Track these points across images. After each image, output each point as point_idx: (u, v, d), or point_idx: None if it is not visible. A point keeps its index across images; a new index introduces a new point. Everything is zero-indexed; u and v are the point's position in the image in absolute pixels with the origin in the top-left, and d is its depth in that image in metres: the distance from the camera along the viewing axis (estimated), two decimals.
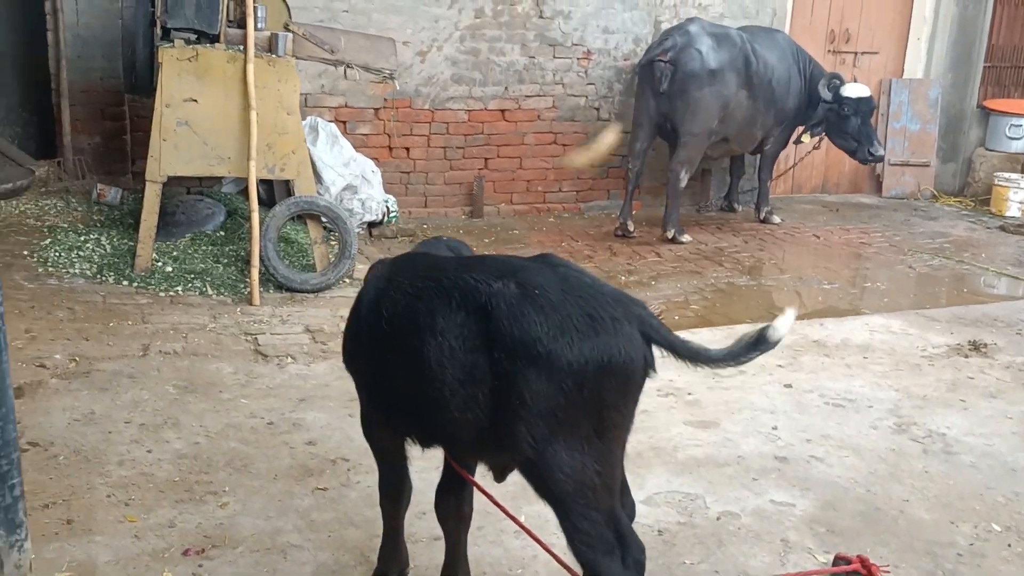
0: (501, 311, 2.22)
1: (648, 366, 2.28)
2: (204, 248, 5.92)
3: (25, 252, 5.68)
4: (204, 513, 3.22)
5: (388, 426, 2.63)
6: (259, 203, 5.52)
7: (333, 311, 5.37)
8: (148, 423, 3.87)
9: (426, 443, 2.57)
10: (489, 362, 2.22)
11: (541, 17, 7.92)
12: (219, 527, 3.14)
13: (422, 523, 3.17)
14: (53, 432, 3.70)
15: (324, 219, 5.74)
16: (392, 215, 7.17)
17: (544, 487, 2.27)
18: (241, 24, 5.53)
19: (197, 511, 3.23)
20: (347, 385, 4.35)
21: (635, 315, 2.28)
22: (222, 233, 6.12)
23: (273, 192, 6.55)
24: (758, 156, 8.44)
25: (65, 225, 6.15)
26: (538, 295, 2.23)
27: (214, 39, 5.52)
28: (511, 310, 2.21)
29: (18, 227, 6.08)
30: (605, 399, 2.22)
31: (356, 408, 4.05)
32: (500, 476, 2.60)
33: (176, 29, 5.53)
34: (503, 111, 7.98)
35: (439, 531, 2.78)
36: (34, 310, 4.93)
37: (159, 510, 3.22)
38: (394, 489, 2.77)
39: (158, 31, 5.59)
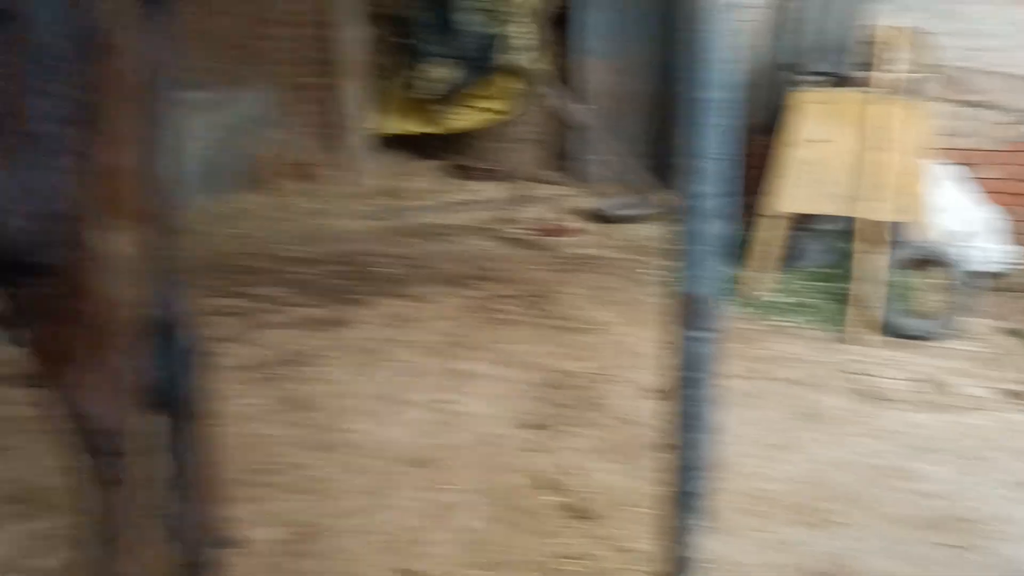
0: None
1: None
2: (807, 283, 6.10)
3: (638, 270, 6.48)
4: (824, 539, 3.36)
5: None
6: (870, 243, 5.52)
7: (942, 363, 5.14)
8: (761, 441, 4.13)
9: None
10: None
11: None
12: (840, 556, 3.25)
13: None
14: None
15: (939, 266, 5.52)
16: (1018, 267, 6.55)
17: None
18: (876, 67, 5.60)
19: (818, 535, 3.38)
20: (966, 443, 4.18)
21: None
22: (827, 270, 6.23)
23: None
24: None
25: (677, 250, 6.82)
26: None
27: (847, 82, 5.66)
28: None
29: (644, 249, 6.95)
30: None
31: (977, 468, 3.91)
32: None
33: (808, 72, 5.79)
34: None
35: None
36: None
37: (783, 527, 3.43)
38: None
39: (790, 75, 5.91)
